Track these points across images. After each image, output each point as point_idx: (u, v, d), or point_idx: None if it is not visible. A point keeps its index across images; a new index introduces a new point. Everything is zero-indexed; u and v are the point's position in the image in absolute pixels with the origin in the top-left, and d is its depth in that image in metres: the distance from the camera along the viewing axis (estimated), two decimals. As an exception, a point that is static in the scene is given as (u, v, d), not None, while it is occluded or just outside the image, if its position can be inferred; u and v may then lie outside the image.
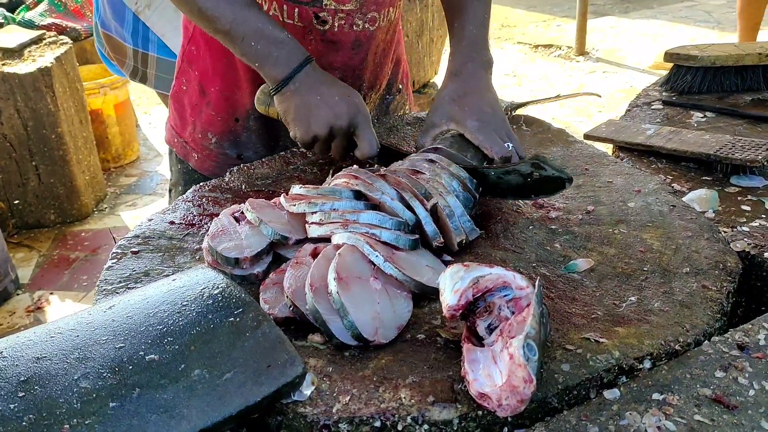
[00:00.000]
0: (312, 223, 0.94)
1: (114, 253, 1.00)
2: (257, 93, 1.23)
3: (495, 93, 1.18)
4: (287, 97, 1.12)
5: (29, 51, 3.24)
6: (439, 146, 1.11)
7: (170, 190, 1.51)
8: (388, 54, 1.39)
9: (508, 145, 1.11)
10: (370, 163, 1.18)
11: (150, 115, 4.76)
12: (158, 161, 4.03)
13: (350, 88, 1.15)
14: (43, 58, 3.17)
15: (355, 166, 1.07)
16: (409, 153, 1.16)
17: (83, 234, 3.25)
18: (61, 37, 3.41)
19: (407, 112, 1.54)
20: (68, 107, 3.24)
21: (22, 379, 0.68)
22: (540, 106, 1.52)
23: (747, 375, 0.73)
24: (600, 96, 1.50)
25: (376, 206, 0.96)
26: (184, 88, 1.39)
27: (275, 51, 1.10)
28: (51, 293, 2.81)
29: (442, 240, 0.95)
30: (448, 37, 1.27)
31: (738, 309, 1.00)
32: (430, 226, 0.94)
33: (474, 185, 1.05)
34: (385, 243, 0.89)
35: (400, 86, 1.51)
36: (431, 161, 1.06)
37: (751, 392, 0.71)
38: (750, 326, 0.80)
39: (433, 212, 0.96)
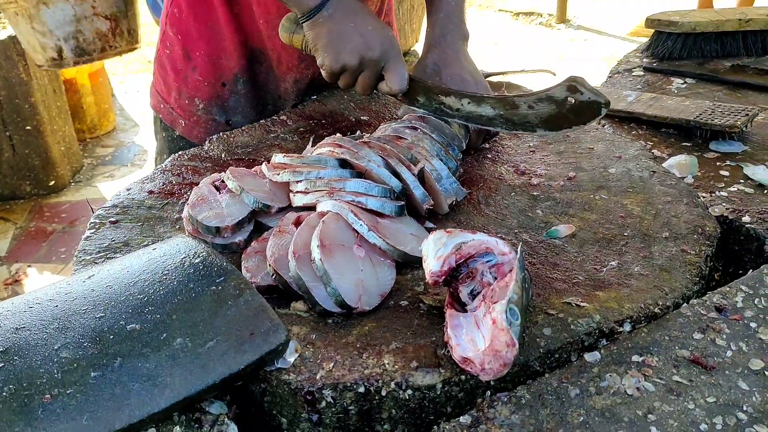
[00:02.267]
0: (297, 192, 0.93)
1: (92, 222, 0.99)
2: (282, 21, 1.15)
3: (473, 61, 1.18)
4: (319, 24, 1.06)
5: (-2, 18, 3.15)
6: (424, 115, 1.10)
7: (156, 158, 1.48)
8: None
9: None
10: (351, 132, 1.17)
11: (126, 84, 4.68)
12: (135, 132, 3.97)
13: (383, 23, 1.10)
14: (13, 25, 3.08)
15: (338, 134, 1.06)
16: (440, 87, 1.09)
17: (60, 206, 3.21)
18: (32, 3, 3.31)
19: None
20: (41, 76, 3.17)
21: (1, 349, 0.68)
22: (522, 74, 1.52)
23: (724, 336, 0.75)
24: (555, 74, 1.50)
25: (361, 174, 0.95)
26: (168, 51, 1.35)
27: None
28: (29, 266, 2.78)
29: (432, 202, 0.95)
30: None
31: (716, 273, 1.01)
32: (419, 190, 0.94)
33: (455, 151, 1.05)
34: (370, 211, 0.89)
35: None
36: (413, 128, 1.05)
37: (729, 353, 0.72)
38: (728, 289, 0.82)
39: (420, 176, 0.95)
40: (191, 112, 1.35)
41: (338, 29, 1.05)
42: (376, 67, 1.06)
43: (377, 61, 1.05)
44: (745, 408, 0.66)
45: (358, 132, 1.16)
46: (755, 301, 0.79)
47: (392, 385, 0.70)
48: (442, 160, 1.00)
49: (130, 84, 4.63)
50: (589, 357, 0.73)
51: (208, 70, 1.32)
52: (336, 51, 1.06)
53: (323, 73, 1.10)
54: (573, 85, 0.92)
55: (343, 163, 0.97)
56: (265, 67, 1.32)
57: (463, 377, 0.70)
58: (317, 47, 1.08)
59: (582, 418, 0.66)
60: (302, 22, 1.08)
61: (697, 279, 0.84)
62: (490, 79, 1.44)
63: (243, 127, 1.27)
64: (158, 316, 0.72)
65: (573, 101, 0.93)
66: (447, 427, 0.66)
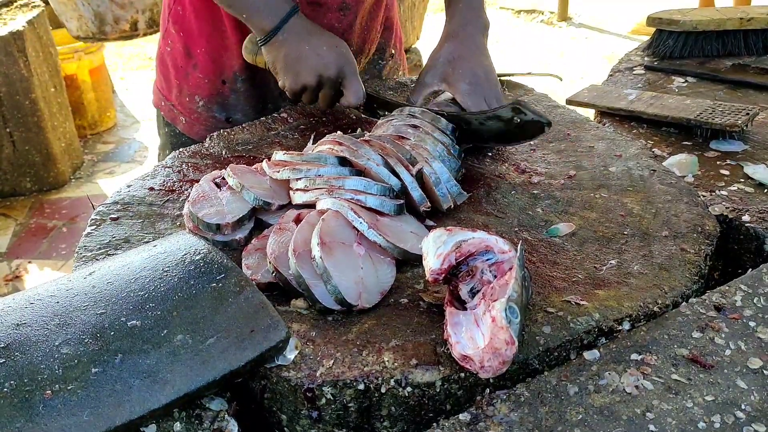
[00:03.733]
0: (297, 189, 0.93)
1: (93, 219, 0.99)
2: (245, 42, 1.21)
3: (490, 57, 1.18)
4: (276, 48, 1.12)
5: (0, 14, 3.15)
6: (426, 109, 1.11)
7: (159, 154, 1.50)
8: (375, 18, 1.38)
9: None
10: (352, 129, 1.17)
11: (126, 80, 4.67)
12: (136, 128, 3.96)
13: (338, 39, 1.15)
14: (15, 21, 3.08)
15: (338, 132, 1.06)
16: (397, 102, 1.17)
17: (60, 202, 3.21)
18: (33, -1, 3.31)
19: (401, 76, 1.53)
20: (42, 72, 3.17)
21: (2, 345, 0.68)
22: (528, 77, 1.51)
23: (723, 335, 0.75)
24: (561, 79, 1.51)
25: (360, 172, 0.95)
26: (169, 49, 1.36)
27: (261, 1, 1.11)
28: (29, 262, 2.78)
29: (429, 205, 0.95)
30: (431, 3, 1.26)
31: (715, 272, 1.01)
32: (416, 192, 0.94)
33: (457, 151, 1.05)
34: (370, 209, 0.89)
35: (393, 51, 1.50)
36: (415, 126, 1.05)
37: (727, 352, 0.73)
38: (727, 288, 0.82)
39: (419, 177, 0.95)
40: (191, 109, 1.36)
41: (295, 51, 1.11)
42: (334, 84, 1.13)
43: (334, 78, 1.12)
44: (743, 407, 0.66)
45: (359, 130, 1.16)
46: (754, 300, 0.80)
47: (392, 382, 0.70)
48: (444, 161, 1.00)
49: (131, 80, 4.63)
50: (588, 355, 0.73)
51: (209, 68, 1.32)
52: (295, 72, 1.12)
53: (287, 93, 1.16)
54: (517, 107, 1.03)
55: (343, 161, 0.97)
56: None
57: (462, 375, 0.71)
58: (277, 70, 1.14)
59: (581, 416, 0.66)
60: (261, 45, 1.14)
61: (697, 278, 0.84)
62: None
63: (244, 125, 1.27)
64: (159, 312, 0.72)
65: (518, 120, 1.03)
66: (446, 424, 0.66)
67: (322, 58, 1.11)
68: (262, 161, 1.01)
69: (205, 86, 1.33)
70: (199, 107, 1.35)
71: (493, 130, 1.06)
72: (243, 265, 0.86)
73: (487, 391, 0.72)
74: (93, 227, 0.97)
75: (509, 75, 1.45)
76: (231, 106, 1.35)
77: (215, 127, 1.32)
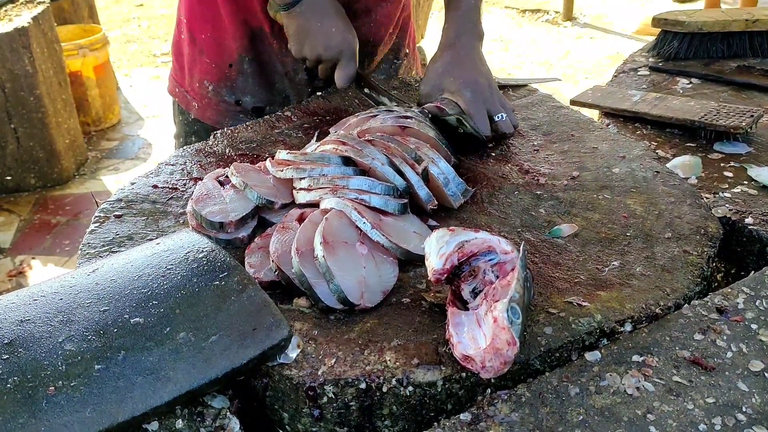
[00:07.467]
0: (300, 188, 0.94)
1: (97, 216, 0.99)
2: None
3: (487, 65, 1.20)
4: (292, 17, 1.22)
5: (5, 10, 3.16)
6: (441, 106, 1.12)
7: (175, 143, 1.55)
8: (392, 19, 1.40)
9: (501, 116, 1.14)
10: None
11: (131, 77, 4.68)
12: (140, 125, 3.97)
13: (348, 24, 1.22)
14: (20, 17, 3.09)
15: (341, 131, 1.07)
16: (386, 91, 1.25)
17: (64, 198, 3.22)
18: (38, -5, 3.32)
19: (415, 75, 1.55)
20: (46, 69, 3.18)
21: (6, 341, 0.68)
22: (528, 73, 1.51)
23: (725, 337, 0.75)
24: (560, 80, 1.52)
25: (364, 172, 0.95)
26: (183, 36, 1.40)
27: None
28: (33, 258, 2.79)
29: (436, 203, 0.95)
30: (436, 1, 1.28)
31: (717, 274, 1.01)
32: (423, 190, 0.95)
33: (446, 143, 1.07)
34: (373, 208, 0.89)
35: (407, 50, 1.52)
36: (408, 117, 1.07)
37: (729, 354, 0.73)
38: (729, 290, 0.82)
39: (425, 176, 0.96)
40: (202, 94, 1.39)
41: (306, 25, 1.21)
42: (331, 63, 1.22)
43: (331, 59, 1.21)
44: (744, 409, 0.66)
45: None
46: (756, 303, 0.80)
47: (393, 381, 0.70)
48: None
49: (135, 77, 4.64)
50: (589, 356, 0.73)
51: (215, 52, 1.35)
52: (300, 43, 1.22)
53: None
54: (460, 119, 1.11)
55: (347, 161, 0.97)
56: (268, 45, 1.35)
57: (463, 375, 0.71)
58: (288, 34, 1.25)
59: (581, 417, 0.66)
60: (279, 12, 1.23)
61: (699, 280, 0.84)
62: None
63: (247, 123, 1.27)
64: (162, 310, 0.73)
65: (462, 131, 1.12)
66: (447, 424, 0.66)
67: (327, 38, 1.19)
68: (265, 160, 1.01)
69: (213, 71, 1.37)
70: (209, 92, 1.38)
71: (445, 131, 1.11)
72: (246, 263, 0.86)
73: (488, 391, 0.72)
74: (97, 224, 0.98)
75: (511, 86, 1.44)
76: (239, 89, 1.38)
77: (226, 111, 1.37)
